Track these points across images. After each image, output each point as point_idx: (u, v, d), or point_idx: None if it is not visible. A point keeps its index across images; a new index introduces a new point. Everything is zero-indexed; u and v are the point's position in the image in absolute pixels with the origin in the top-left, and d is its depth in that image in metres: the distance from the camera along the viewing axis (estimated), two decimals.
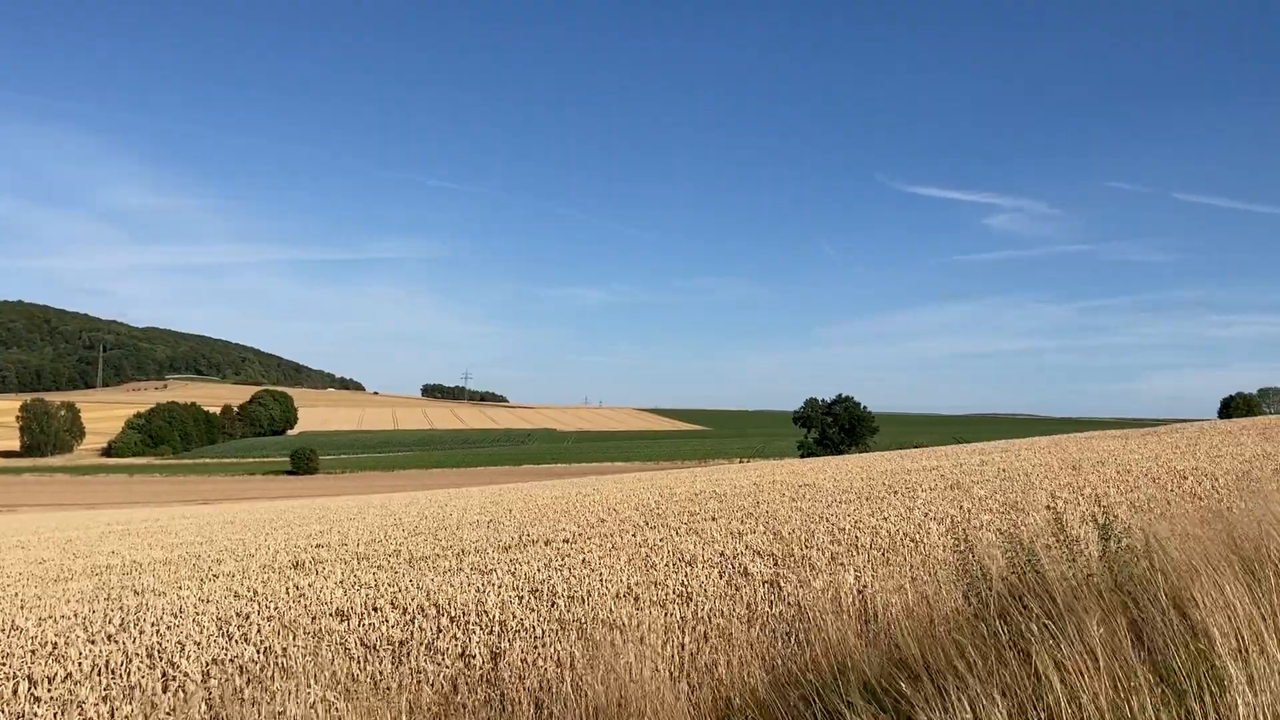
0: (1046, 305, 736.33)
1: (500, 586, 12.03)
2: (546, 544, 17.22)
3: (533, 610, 10.29)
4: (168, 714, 7.61)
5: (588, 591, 11.07)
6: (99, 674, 8.87)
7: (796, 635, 8.21)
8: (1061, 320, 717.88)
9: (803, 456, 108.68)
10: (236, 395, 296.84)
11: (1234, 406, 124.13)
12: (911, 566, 10.85)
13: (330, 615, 11.05)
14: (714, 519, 19.06)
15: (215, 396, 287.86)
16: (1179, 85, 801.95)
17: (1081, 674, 4.18)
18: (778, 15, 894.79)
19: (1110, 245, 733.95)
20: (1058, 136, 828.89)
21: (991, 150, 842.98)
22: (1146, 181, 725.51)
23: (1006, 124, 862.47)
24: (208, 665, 8.91)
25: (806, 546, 13.50)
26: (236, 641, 9.92)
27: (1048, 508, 15.55)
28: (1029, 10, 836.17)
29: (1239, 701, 3.61)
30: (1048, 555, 8.26)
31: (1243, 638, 4.38)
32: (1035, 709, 3.87)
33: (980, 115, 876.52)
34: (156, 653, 9.55)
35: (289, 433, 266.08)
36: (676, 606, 9.87)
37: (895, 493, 21.77)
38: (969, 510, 16.39)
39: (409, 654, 8.81)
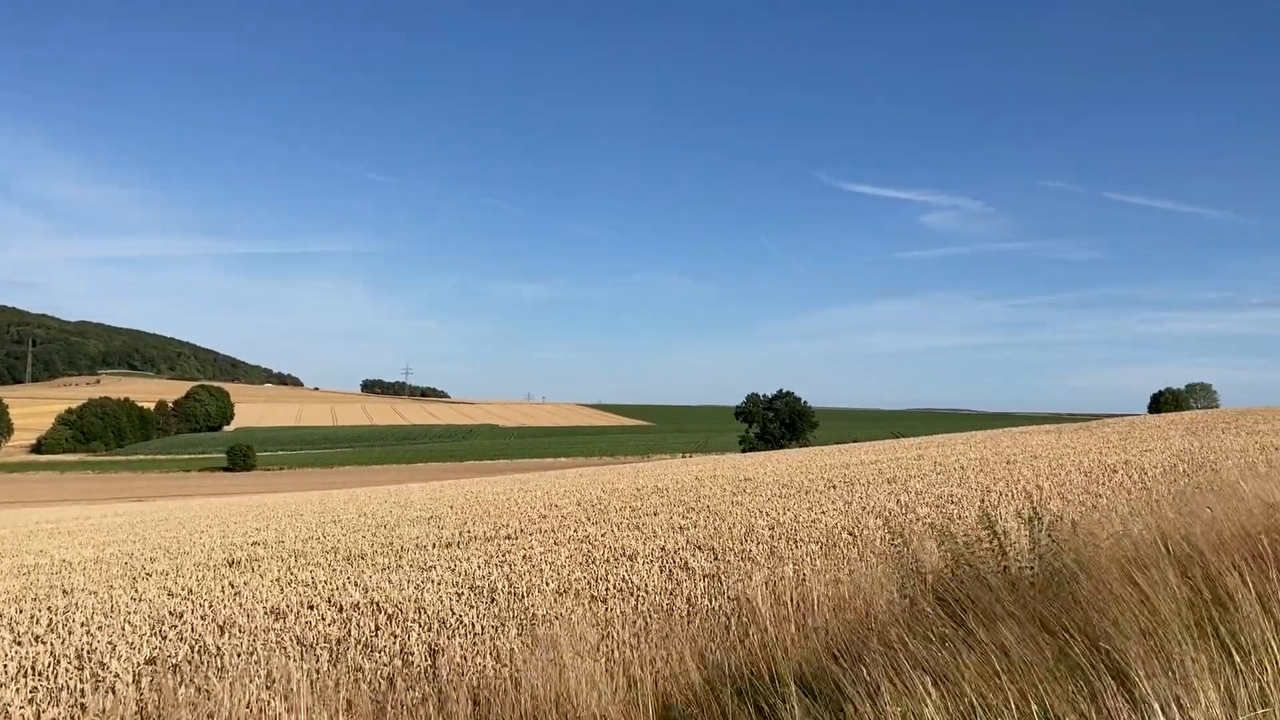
0: (982, 302, 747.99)
1: (440, 583, 11.97)
2: (488, 540, 17.16)
3: (472, 607, 10.27)
4: (97, 716, 7.47)
5: (528, 587, 11.07)
6: (25, 676, 8.67)
7: (735, 629, 8.28)
8: (996, 317, 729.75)
9: (744, 451, 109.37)
10: (171, 391, 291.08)
11: (1163, 402, 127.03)
12: (849, 560, 10.98)
13: (266, 613, 10.92)
14: (656, 514, 19.12)
15: (150, 392, 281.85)
16: (1110, 88, 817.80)
17: (1004, 669, 4.28)
18: (718, 14, 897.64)
19: (1044, 243, 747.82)
20: (992, 136, 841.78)
21: (928, 149, 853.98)
22: (1079, 181, 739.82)
23: (942, 124, 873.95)
24: (140, 666, 8.76)
25: (746, 541, 13.61)
26: (170, 641, 9.77)
27: (982, 502, 15.83)
28: (964, 14, 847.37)
29: (1153, 699, 3.71)
30: (980, 549, 8.41)
31: (1162, 631, 4.51)
32: (961, 702, 3.95)
33: (916, 115, 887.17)
34: (86, 653, 9.36)
35: (225, 429, 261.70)
36: (617, 601, 9.90)
37: (834, 487, 22.01)
38: (905, 504, 16.62)
39: (346, 652, 8.73)
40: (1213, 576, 5.35)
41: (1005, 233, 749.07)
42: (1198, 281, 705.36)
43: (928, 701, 4.03)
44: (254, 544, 20.51)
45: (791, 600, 9.05)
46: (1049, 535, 8.40)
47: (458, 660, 8.09)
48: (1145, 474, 18.57)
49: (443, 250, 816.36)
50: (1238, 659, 4.03)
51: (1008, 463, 25.39)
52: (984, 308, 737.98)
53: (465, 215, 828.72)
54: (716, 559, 12.27)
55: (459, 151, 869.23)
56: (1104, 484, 17.41)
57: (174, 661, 8.83)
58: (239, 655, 8.87)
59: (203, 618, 10.92)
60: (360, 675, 7.96)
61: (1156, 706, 3.67)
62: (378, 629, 9.59)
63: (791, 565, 11.01)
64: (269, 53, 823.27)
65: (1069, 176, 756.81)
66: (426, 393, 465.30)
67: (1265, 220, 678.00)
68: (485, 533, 18.52)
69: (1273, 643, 4.18)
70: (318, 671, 8.09)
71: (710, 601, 9.61)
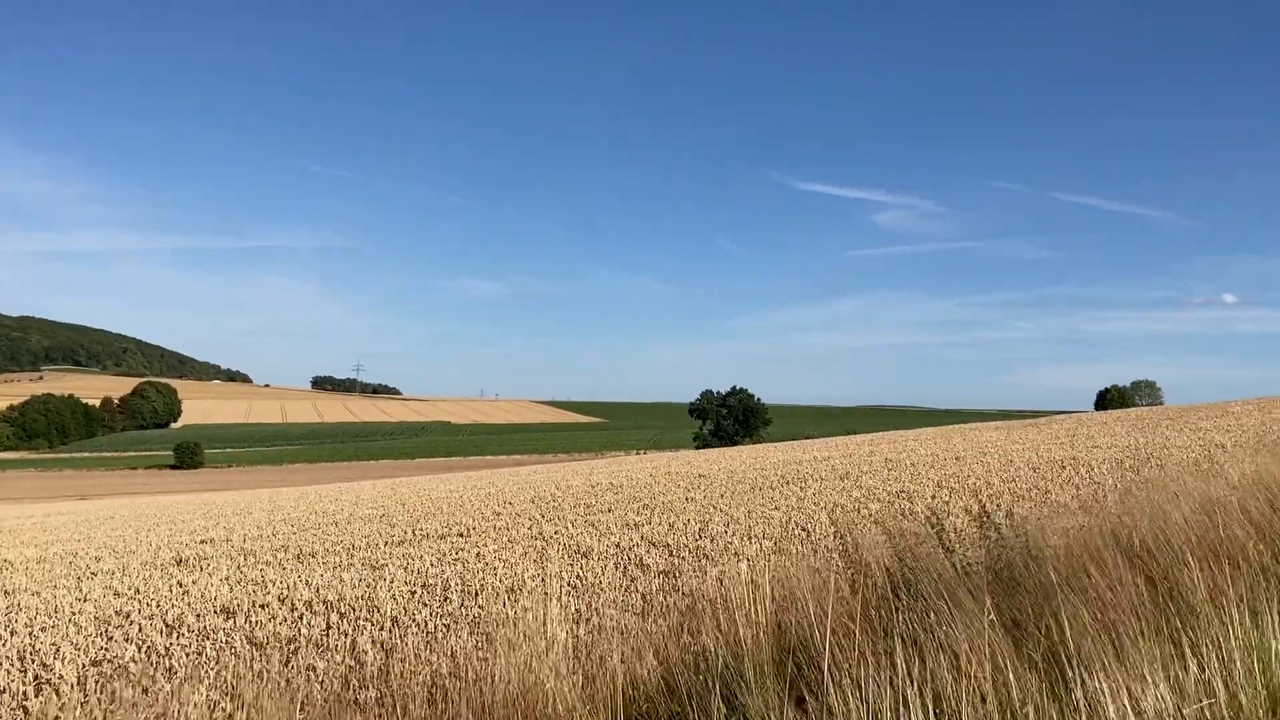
0: (932, 300, 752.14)
1: (392, 582, 11.89)
2: (440, 538, 17.07)
3: (425, 605, 10.20)
4: (40, 719, 7.32)
5: (481, 586, 11.02)
6: None
7: (690, 625, 8.29)
8: (947, 315, 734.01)
9: (698, 448, 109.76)
10: (117, 387, 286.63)
11: (1108, 399, 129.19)
12: (803, 555, 11.04)
13: (216, 613, 10.79)
14: (610, 511, 19.13)
15: (95, 388, 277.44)
16: (1057, 91, 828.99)
17: (958, 660, 4.32)
18: (674, 14, 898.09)
19: (993, 243, 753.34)
20: (945, 137, 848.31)
21: (882, 149, 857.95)
22: (1027, 181, 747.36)
23: (896, 124, 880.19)
24: (85, 667, 8.60)
25: (701, 537, 13.65)
26: (116, 642, 9.61)
27: (933, 497, 16.01)
28: (912, 18, 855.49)
29: (1106, 690, 3.77)
30: (931, 543, 8.49)
31: (1112, 624, 4.57)
32: (921, 695, 3.98)
33: (870, 115, 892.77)
34: (29, 655, 9.18)
35: (173, 426, 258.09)
36: (572, 599, 9.88)
37: (787, 483, 22.14)
38: (858, 500, 16.76)
39: (298, 651, 8.64)
40: (1161, 570, 5.44)
41: (956, 232, 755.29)
42: (1142, 281, 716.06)
43: (884, 694, 4.06)
44: (202, 542, 20.26)
45: (746, 595, 9.09)
46: (998, 531, 8.51)
47: (411, 659, 8.03)
48: (1093, 470, 18.86)
49: (395, 246, 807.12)
50: (1186, 651, 4.10)
51: (958, 459, 25.69)
52: (935, 306, 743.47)
53: (419, 211, 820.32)
54: (671, 555, 12.30)
55: (413, 147, 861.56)
56: (1053, 480, 17.66)
57: (121, 662, 8.68)
58: (188, 655, 8.75)
59: (150, 618, 10.76)
60: (313, 675, 7.88)
61: (1109, 697, 3.72)
62: (329, 628, 9.50)
63: (746, 561, 11.05)
64: (220, 45, 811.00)
65: (1018, 177, 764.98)
66: (378, 390, 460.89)
67: (1208, 223, 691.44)
68: (438, 530, 18.42)
69: (1219, 635, 4.26)
70: (269, 671, 7.99)
71: (665, 598, 9.63)
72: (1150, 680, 3.82)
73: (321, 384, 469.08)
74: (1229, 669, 4.03)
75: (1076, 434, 33.50)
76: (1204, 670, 4.01)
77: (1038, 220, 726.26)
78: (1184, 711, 3.73)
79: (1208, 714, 3.77)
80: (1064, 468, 19.89)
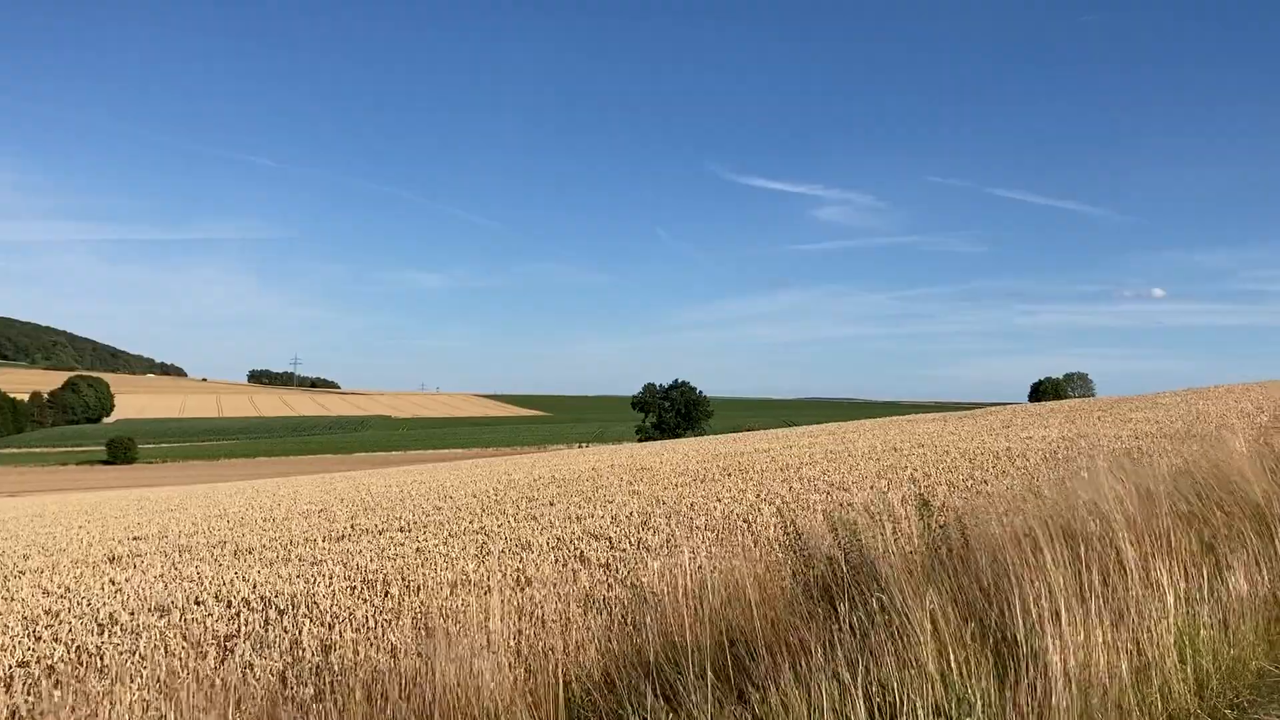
0: (871, 294, 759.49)
1: (331, 577, 11.76)
2: (380, 533, 16.92)
3: (365, 601, 10.10)
4: None
5: (422, 581, 10.93)
6: None
7: (633, 617, 8.29)
8: (884, 308, 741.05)
9: (641, 441, 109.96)
10: (47, 381, 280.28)
11: (1042, 390, 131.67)
12: (744, 547, 11.09)
13: (150, 611, 10.59)
14: (552, 504, 19.09)
15: (22, 383, 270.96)
16: (993, 90, 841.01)
17: (898, 648, 4.37)
18: (611, 5, 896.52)
19: (930, 237, 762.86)
20: (882, 133, 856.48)
21: (819, 145, 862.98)
22: (964, 177, 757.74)
23: (834, 119, 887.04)
24: (11, 669, 8.40)
25: (643, 530, 13.67)
26: (45, 641, 9.39)
27: (872, 488, 16.17)
28: (850, 15, 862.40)
29: (1056, 661, 3.84)
30: (872, 533, 8.57)
31: (1055, 603, 4.66)
32: (866, 685, 4.02)
33: (809, 110, 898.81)
34: None
35: (105, 421, 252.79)
36: (513, 593, 9.84)
37: (729, 475, 22.25)
38: (799, 491, 16.89)
39: (235, 649, 8.51)
40: (1097, 557, 5.55)
41: (895, 226, 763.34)
42: (1075, 275, 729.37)
43: (823, 681, 4.09)
44: (136, 539, 19.88)
45: (688, 588, 9.11)
46: (938, 521, 8.63)
47: (351, 655, 7.94)
48: (1028, 460, 19.20)
49: (334, 238, 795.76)
50: (1126, 635, 4.20)
51: (895, 450, 26.00)
52: (873, 299, 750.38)
53: (357, 203, 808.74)
54: (613, 548, 12.30)
55: (349, 138, 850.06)
56: (989, 470, 17.94)
57: (50, 663, 8.49)
58: (121, 655, 8.57)
59: (81, 617, 10.53)
60: (250, 672, 7.76)
61: (1058, 680, 3.79)
62: (268, 624, 9.37)
63: (687, 553, 11.07)
64: (146, 30, 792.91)
65: (955, 173, 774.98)
66: (316, 383, 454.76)
67: (1138, 218, 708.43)
68: (377, 525, 18.26)
69: (1154, 621, 4.36)
70: (205, 669, 7.86)
71: (608, 591, 9.63)
72: (1094, 663, 3.90)
73: (258, 377, 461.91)
74: (1163, 653, 4.13)
75: (1011, 425, 34.09)
76: (1142, 654, 4.11)
77: (974, 215, 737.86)
78: (1125, 693, 3.81)
79: (1145, 694, 3.86)
80: (999, 458, 20.22)
